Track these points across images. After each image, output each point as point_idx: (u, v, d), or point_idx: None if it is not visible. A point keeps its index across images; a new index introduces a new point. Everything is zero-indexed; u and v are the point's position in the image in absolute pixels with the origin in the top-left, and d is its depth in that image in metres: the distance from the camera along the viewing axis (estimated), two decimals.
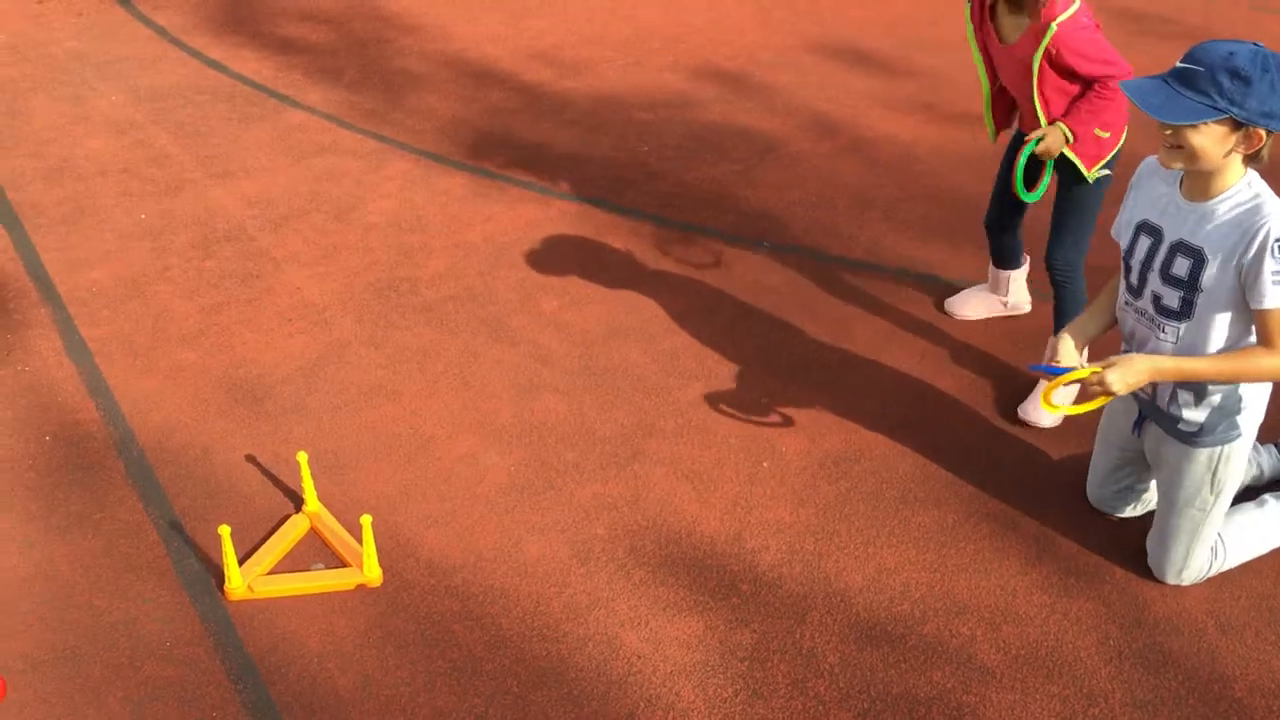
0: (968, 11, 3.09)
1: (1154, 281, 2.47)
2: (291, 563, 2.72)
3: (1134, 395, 2.63)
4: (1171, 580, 2.62)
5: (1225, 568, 2.66)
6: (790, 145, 4.89)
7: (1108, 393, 2.40)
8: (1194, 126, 2.25)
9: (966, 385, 3.27)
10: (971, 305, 3.61)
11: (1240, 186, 2.34)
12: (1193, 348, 2.44)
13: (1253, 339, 2.41)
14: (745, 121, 5.13)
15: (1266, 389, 2.53)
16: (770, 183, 4.56)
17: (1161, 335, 2.48)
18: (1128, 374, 2.39)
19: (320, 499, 2.88)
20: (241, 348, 3.51)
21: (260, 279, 3.88)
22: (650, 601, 2.62)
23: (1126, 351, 2.57)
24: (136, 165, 4.67)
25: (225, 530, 2.56)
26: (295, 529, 2.78)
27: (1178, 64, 2.28)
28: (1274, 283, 2.28)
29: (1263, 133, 2.26)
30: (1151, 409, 2.59)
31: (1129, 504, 2.81)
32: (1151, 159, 2.51)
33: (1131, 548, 2.75)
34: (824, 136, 4.97)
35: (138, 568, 2.69)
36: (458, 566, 2.71)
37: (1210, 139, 2.27)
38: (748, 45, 6.04)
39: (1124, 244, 2.56)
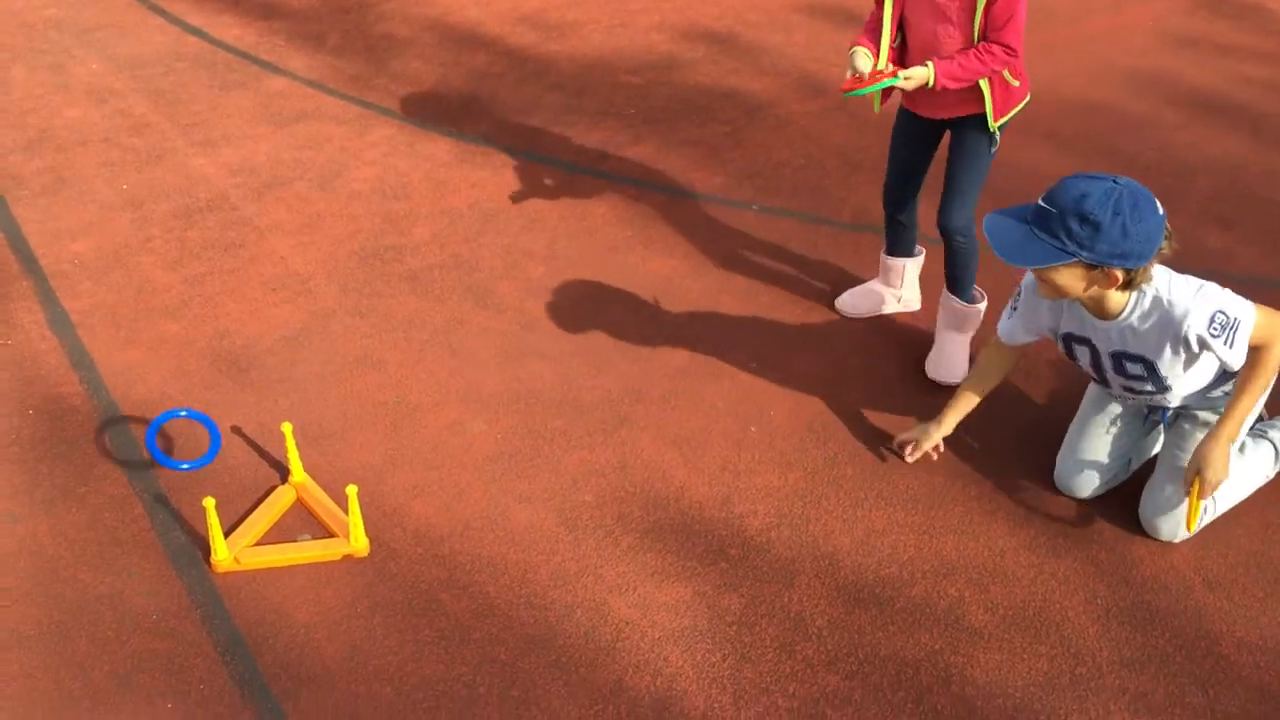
0: None
1: (1116, 380, 2.58)
2: (278, 534, 2.71)
3: (1146, 404, 2.71)
4: (1168, 537, 2.63)
5: (1216, 515, 2.68)
6: (778, 106, 4.85)
7: (1215, 487, 2.51)
8: (1051, 266, 2.32)
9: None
10: (860, 303, 3.46)
11: (1135, 300, 2.41)
12: (1181, 399, 2.58)
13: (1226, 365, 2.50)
14: (733, 83, 5.08)
15: None
16: (758, 144, 4.52)
17: (1157, 399, 2.60)
18: (1219, 466, 2.48)
19: (306, 469, 2.87)
20: (225, 318, 3.49)
21: (243, 248, 3.85)
22: (638, 567, 2.61)
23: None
24: (117, 134, 4.62)
25: (210, 502, 2.55)
26: (281, 500, 2.77)
27: (1039, 202, 2.33)
28: (1230, 348, 2.38)
29: (1118, 272, 2.31)
30: (1165, 414, 2.71)
31: (1106, 482, 2.76)
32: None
33: (1118, 507, 2.74)
34: (812, 97, 4.93)
35: (123, 541, 2.68)
36: (445, 535, 2.70)
37: (1068, 278, 2.34)
38: (735, 5, 5.97)
39: (1059, 347, 2.64)
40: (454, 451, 2.96)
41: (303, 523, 2.74)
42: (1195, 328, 2.37)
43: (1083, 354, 2.59)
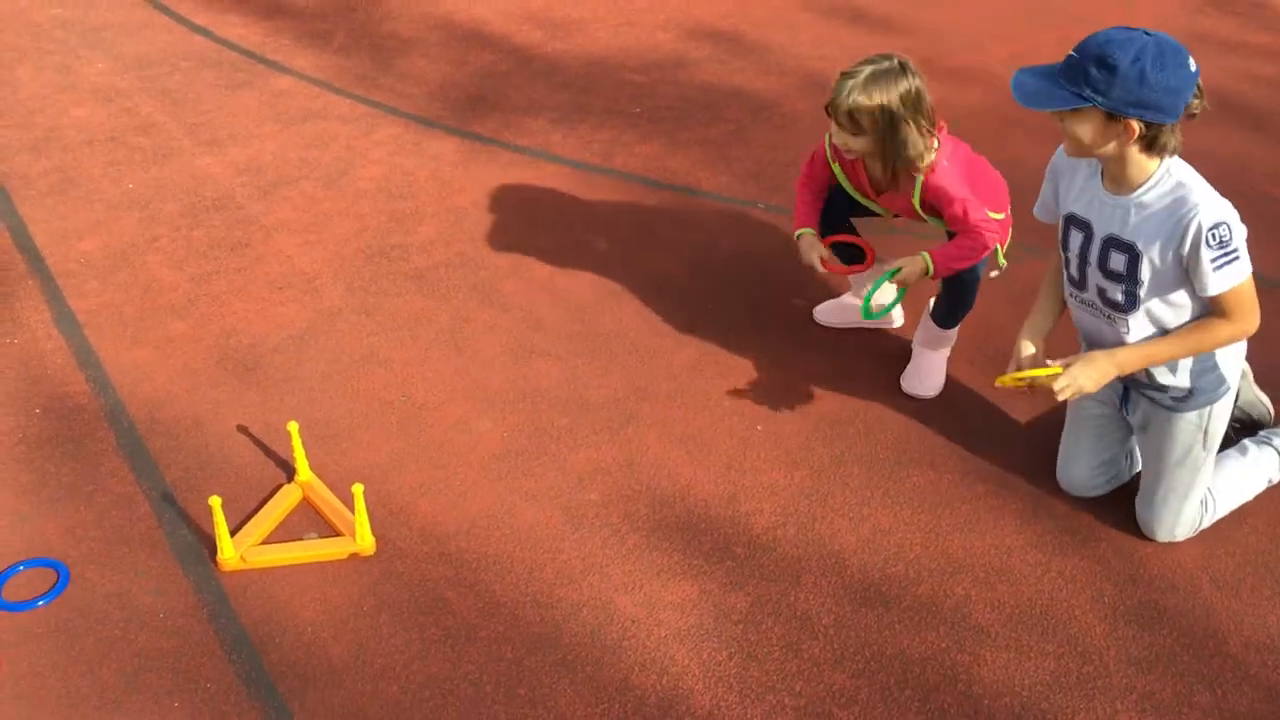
0: (829, 153, 3.03)
1: (1094, 275, 2.45)
2: (284, 533, 2.71)
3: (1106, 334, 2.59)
4: (1164, 538, 2.62)
5: (1215, 518, 2.66)
6: (784, 105, 4.84)
7: (1078, 392, 2.39)
8: (1073, 114, 2.24)
9: (961, 346, 3.25)
10: (833, 316, 3.43)
11: (1159, 175, 2.30)
12: (1143, 334, 2.43)
13: (1197, 312, 2.40)
14: (739, 81, 5.07)
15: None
16: (764, 143, 4.52)
17: (1117, 325, 2.46)
18: (1092, 372, 2.38)
19: (312, 468, 2.87)
20: (232, 317, 3.49)
21: (250, 247, 3.85)
22: (644, 566, 2.61)
23: (1088, 349, 2.55)
24: (124, 134, 4.63)
25: (216, 501, 2.55)
26: (287, 499, 2.77)
27: (1069, 52, 2.25)
28: (1215, 269, 2.27)
29: (1135, 124, 2.20)
30: (1134, 383, 2.57)
31: (1109, 479, 2.75)
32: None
33: (1126, 505, 2.73)
34: (819, 95, 4.91)
35: (130, 539, 2.69)
36: (451, 534, 2.70)
37: (1086, 129, 2.25)
38: (741, 3, 5.97)
39: (1058, 234, 2.53)
40: (460, 450, 2.96)
41: (309, 521, 2.75)
42: (1202, 219, 2.24)
43: (1075, 240, 2.46)
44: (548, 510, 2.77)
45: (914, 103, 2.80)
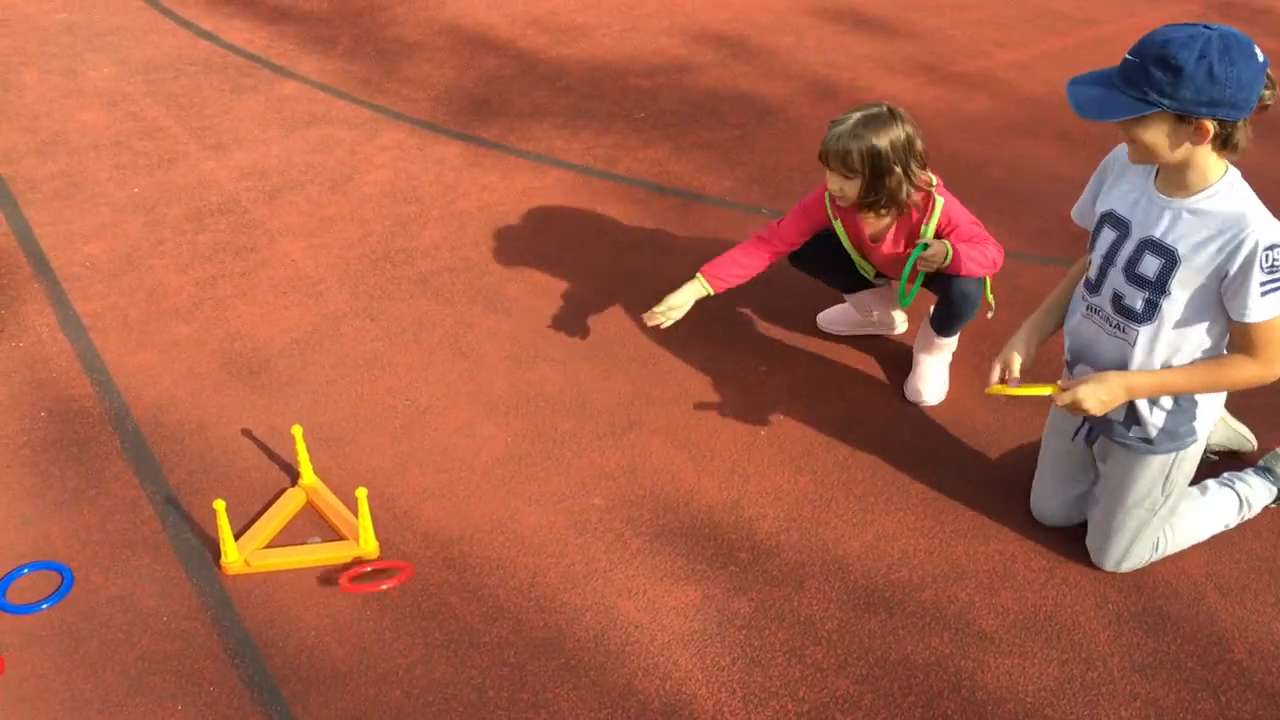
0: (830, 210, 3.05)
1: (1115, 278, 2.32)
2: (288, 536, 2.71)
3: (1080, 363, 2.51)
4: (1109, 569, 2.56)
5: (1165, 555, 2.59)
6: (789, 109, 4.84)
7: (1081, 412, 2.31)
8: (1137, 122, 2.11)
9: (964, 353, 3.24)
10: (838, 322, 3.42)
11: (1221, 186, 2.17)
12: (1149, 354, 2.31)
13: (1212, 350, 2.30)
14: (743, 86, 5.08)
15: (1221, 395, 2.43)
16: (769, 148, 4.52)
17: (1120, 336, 2.34)
18: (1101, 392, 2.27)
19: (316, 472, 2.87)
20: (236, 321, 3.50)
21: (255, 252, 3.86)
22: (648, 571, 2.61)
23: (1072, 361, 2.50)
24: (129, 138, 4.64)
25: (220, 505, 2.55)
26: (291, 502, 2.77)
27: (1125, 55, 2.13)
28: (1262, 295, 2.13)
29: (1209, 124, 2.07)
30: (1100, 421, 2.47)
31: (1083, 510, 2.65)
32: (1124, 147, 2.34)
33: None
34: (823, 100, 4.92)
35: (134, 543, 2.69)
36: (454, 538, 2.70)
37: (1155, 134, 2.11)
38: (745, 8, 5.97)
39: (1090, 230, 2.43)
40: (464, 454, 2.96)
41: (313, 525, 2.75)
42: (1259, 238, 2.10)
43: (1105, 240, 2.33)
44: (551, 515, 2.77)
45: (904, 148, 2.83)
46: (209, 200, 4.17)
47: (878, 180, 2.84)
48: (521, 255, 3.82)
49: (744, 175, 4.31)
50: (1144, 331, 2.29)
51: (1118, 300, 2.33)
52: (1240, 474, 2.73)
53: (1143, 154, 2.19)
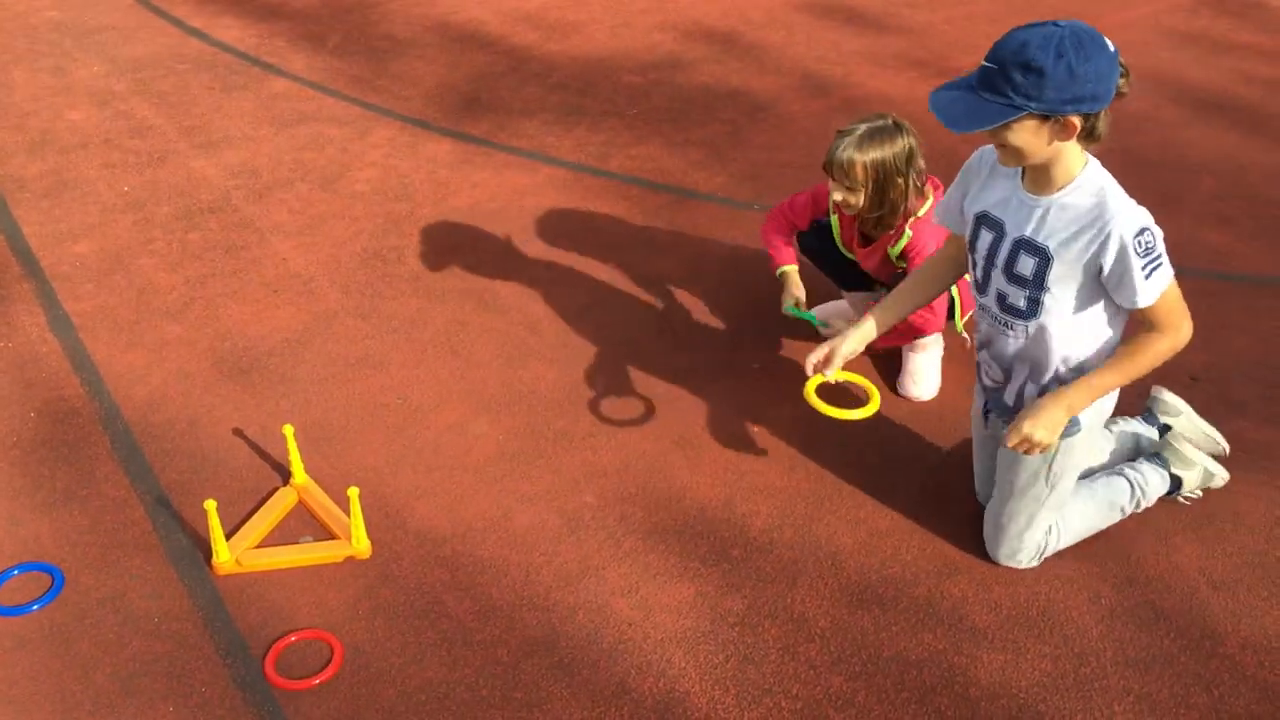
0: (830, 205, 3.08)
1: (998, 279, 2.36)
2: (280, 536, 2.70)
3: (981, 383, 2.57)
4: (1004, 563, 2.57)
5: (1059, 548, 2.60)
6: (781, 106, 4.84)
7: (1036, 447, 2.32)
8: (1006, 126, 2.13)
9: (958, 348, 3.24)
10: (834, 316, 3.39)
11: (1083, 179, 2.22)
12: (1041, 345, 2.35)
13: (1105, 329, 2.33)
14: (735, 82, 5.07)
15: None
16: (760, 144, 4.52)
17: (1009, 334, 2.38)
18: (1043, 423, 2.30)
19: (308, 471, 2.86)
20: (227, 320, 3.48)
21: (245, 250, 3.84)
22: (641, 569, 2.61)
23: (979, 346, 2.52)
24: (119, 136, 4.62)
25: (211, 505, 2.54)
26: (283, 502, 2.76)
27: (982, 62, 2.15)
28: (1146, 276, 2.18)
29: (1075, 120, 2.11)
30: (997, 402, 2.52)
31: None
32: (990, 149, 2.37)
33: None
34: (815, 96, 4.92)
35: (124, 543, 2.68)
36: (447, 537, 2.70)
37: (1024, 136, 2.14)
38: (737, 4, 5.97)
39: (966, 234, 2.45)
40: (456, 453, 2.95)
41: (304, 525, 2.74)
42: (1123, 230, 2.16)
43: (984, 241, 2.36)
44: (544, 513, 2.76)
45: (907, 159, 2.84)
46: (199, 199, 4.16)
47: (881, 193, 2.86)
48: (513, 253, 3.81)
49: (736, 172, 4.31)
50: (1031, 326, 2.34)
51: (1002, 300, 2.37)
52: (1132, 463, 2.75)
53: (1013, 157, 2.22)
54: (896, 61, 5.26)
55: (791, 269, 3.12)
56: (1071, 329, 2.32)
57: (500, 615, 2.49)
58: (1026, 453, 2.36)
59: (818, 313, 3.42)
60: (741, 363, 3.27)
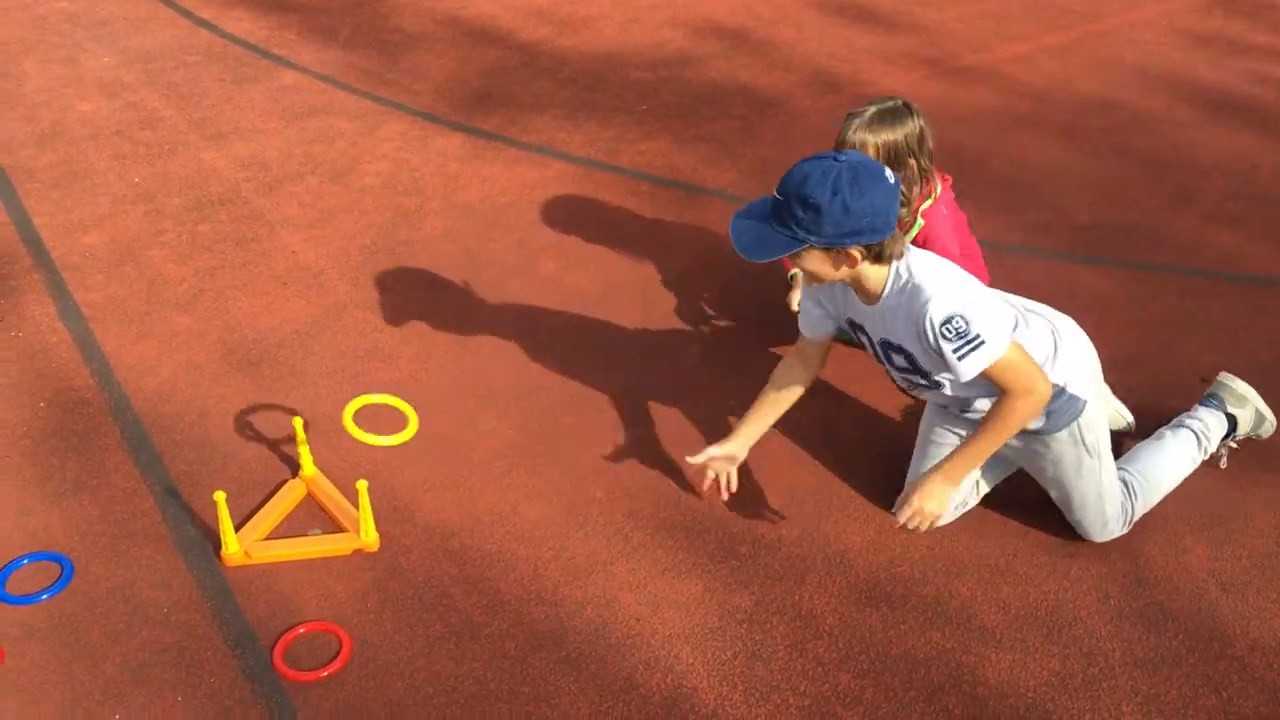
0: None
1: (891, 371, 2.50)
2: (288, 528, 2.71)
3: (962, 418, 2.59)
4: (1102, 539, 2.61)
5: (1148, 506, 2.66)
6: (791, 102, 4.83)
7: (930, 520, 2.46)
8: (795, 255, 2.25)
9: None
10: None
11: (893, 279, 2.31)
12: (966, 395, 2.46)
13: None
14: (745, 78, 5.07)
15: (1079, 353, 2.49)
16: (771, 140, 4.51)
17: (930, 395, 2.52)
18: (933, 497, 2.45)
19: (317, 464, 2.86)
20: (237, 312, 3.49)
21: (255, 242, 3.85)
22: (649, 564, 2.61)
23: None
24: (129, 128, 4.62)
25: (221, 496, 2.55)
26: (292, 494, 2.77)
27: (773, 192, 2.24)
28: (959, 359, 2.25)
29: (855, 251, 2.22)
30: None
31: (955, 506, 2.66)
32: None
33: None
34: (825, 93, 4.91)
35: (134, 534, 2.68)
36: (455, 530, 2.70)
37: (814, 263, 2.27)
38: (746, 0, 5.96)
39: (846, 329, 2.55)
40: (465, 447, 2.95)
41: (313, 517, 2.74)
42: (932, 315, 2.24)
43: (864, 338, 2.49)
44: (552, 508, 2.76)
45: (917, 142, 2.84)
46: (209, 190, 4.16)
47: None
48: (523, 247, 3.81)
49: (746, 168, 4.30)
50: (944, 390, 2.44)
51: (908, 379, 2.50)
52: (1189, 412, 2.82)
53: (811, 278, 2.37)
54: (907, 59, 5.25)
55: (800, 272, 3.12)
56: (980, 381, 2.35)
57: (508, 609, 2.50)
58: (916, 527, 2.48)
59: None
60: (751, 358, 3.27)
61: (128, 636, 2.43)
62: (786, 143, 4.47)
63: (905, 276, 2.29)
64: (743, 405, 3.07)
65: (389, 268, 3.70)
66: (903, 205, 2.22)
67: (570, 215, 4.00)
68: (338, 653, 2.38)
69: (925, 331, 2.26)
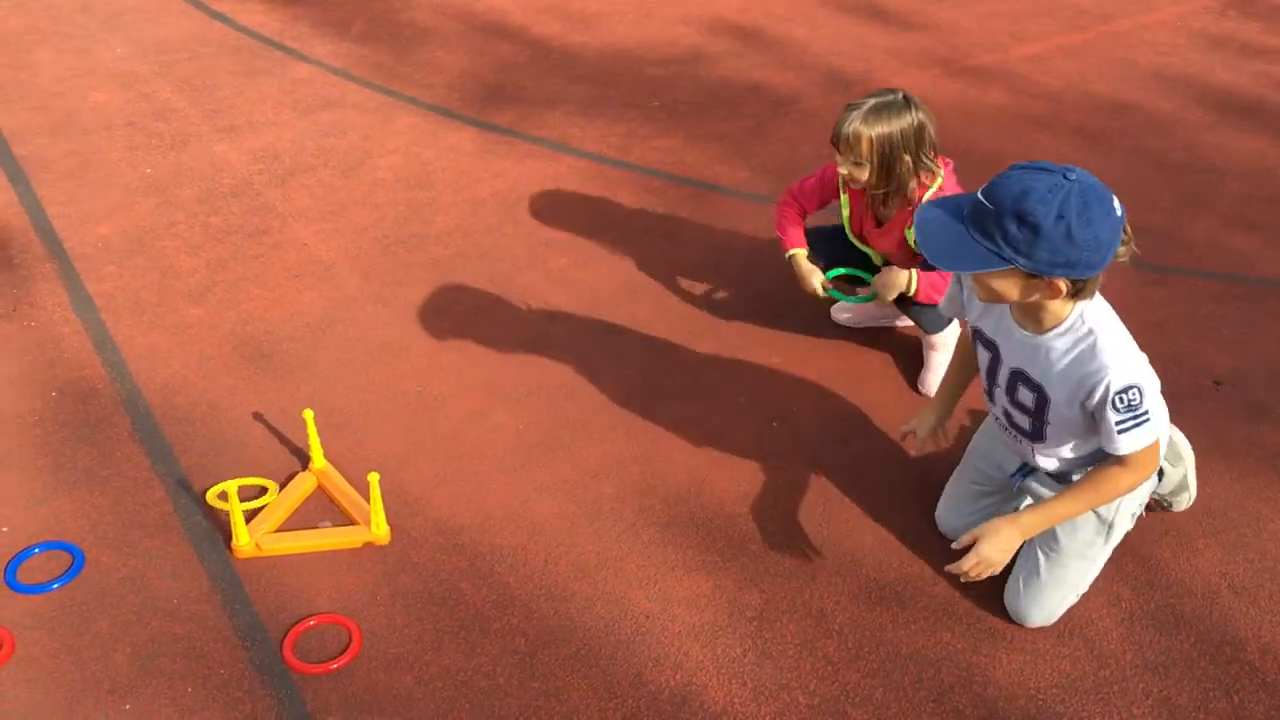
0: (840, 182, 3.06)
1: (1000, 398, 2.32)
2: (299, 520, 2.71)
3: (1013, 446, 2.46)
4: (1037, 624, 2.42)
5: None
6: (803, 101, 4.82)
7: (989, 568, 2.27)
8: (989, 271, 2.00)
9: None
10: (854, 313, 3.39)
11: (1072, 322, 2.10)
12: (1054, 458, 2.32)
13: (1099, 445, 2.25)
14: (758, 76, 5.06)
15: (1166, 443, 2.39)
16: (783, 139, 4.50)
17: (1015, 446, 2.39)
18: (999, 546, 2.24)
19: (327, 457, 2.86)
20: (248, 304, 3.49)
21: (267, 235, 3.85)
22: (659, 561, 2.60)
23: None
24: (142, 119, 4.63)
25: (232, 487, 2.55)
26: (302, 486, 2.77)
27: (978, 194, 1.99)
28: (1120, 432, 2.10)
29: (1061, 283, 1.98)
30: (1038, 475, 2.44)
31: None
32: None
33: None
34: (838, 91, 4.90)
35: (145, 524, 2.69)
36: (465, 525, 2.70)
37: (1006, 285, 2.02)
38: None
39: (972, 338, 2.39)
40: (475, 441, 2.95)
41: (323, 510, 2.74)
42: (1111, 381, 2.06)
43: (984, 357, 2.32)
44: (563, 503, 2.76)
45: (916, 135, 2.81)
46: (221, 182, 4.17)
47: (888, 168, 2.84)
48: (534, 242, 3.81)
49: (758, 166, 4.29)
50: (1037, 447, 2.32)
51: (1009, 417, 2.34)
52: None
53: (989, 296, 2.10)
54: (921, 58, 5.23)
55: (799, 252, 3.10)
56: (1075, 450, 2.29)
57: (518, 604, 2.50)
58: (977, 577, 2.28)
59: (836, 310, 3.41)
60: (761, 357, 3.26)
61: (138, 627, 2.43)
62: (799, 141, 4.47)
63: (1085, 324, 2.10)
64: (753, 401, 3.08)
65: (400, 261, 3.70)
66: (1123, 244, 1.98)
67: (581, 211, 4.00)
68: (347, 645, 2.38)
69: (1094, 391, 2.08)
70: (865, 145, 2.80)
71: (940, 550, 2.62)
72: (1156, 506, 2.67)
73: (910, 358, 3.24)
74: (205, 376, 3.18)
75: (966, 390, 2.63)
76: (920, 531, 2.68)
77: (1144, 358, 2.16)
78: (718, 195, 4.11)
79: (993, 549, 2.25)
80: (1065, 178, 1.92)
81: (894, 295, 2.93)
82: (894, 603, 2.50)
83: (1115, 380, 2.06)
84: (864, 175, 2.87)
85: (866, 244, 3.13)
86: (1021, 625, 2.43)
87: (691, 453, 2.92)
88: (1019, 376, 2.23)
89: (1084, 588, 2.45)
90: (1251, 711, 2.26)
